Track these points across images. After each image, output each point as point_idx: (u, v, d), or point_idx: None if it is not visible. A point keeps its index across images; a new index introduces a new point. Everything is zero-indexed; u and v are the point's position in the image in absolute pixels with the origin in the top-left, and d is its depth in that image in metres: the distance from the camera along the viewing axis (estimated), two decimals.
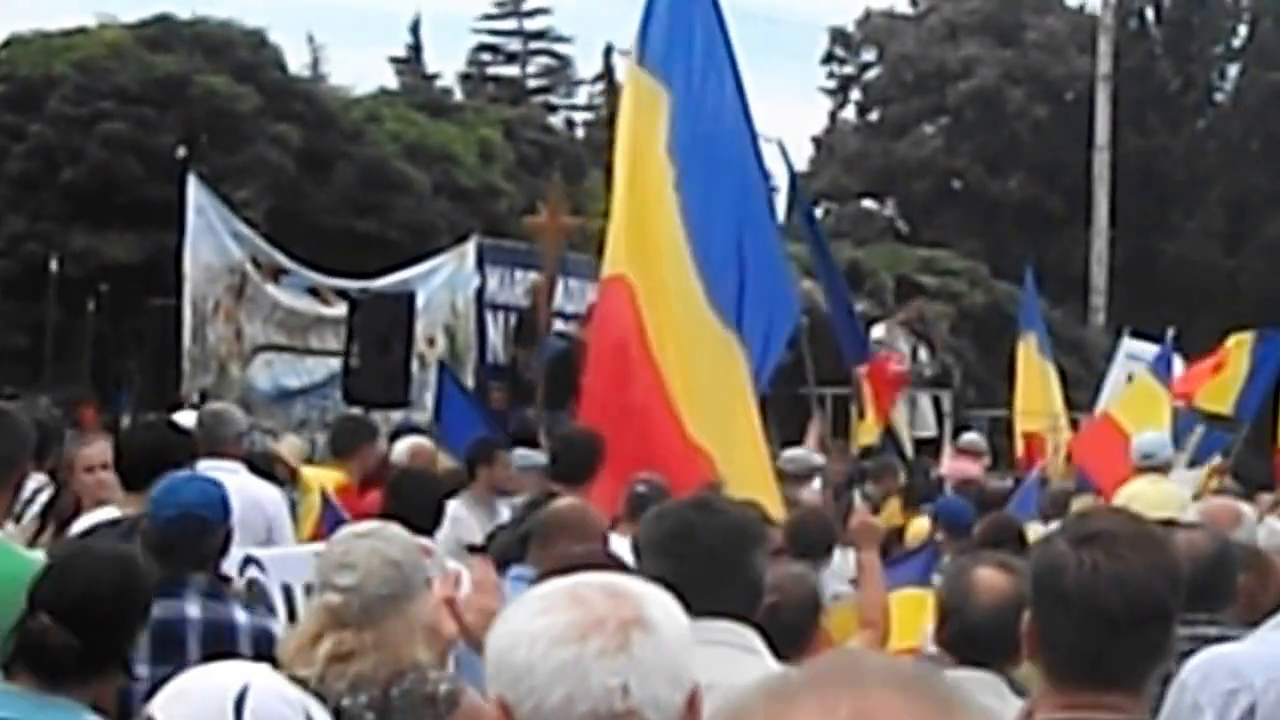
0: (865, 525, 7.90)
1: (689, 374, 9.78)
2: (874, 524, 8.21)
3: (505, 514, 9.87)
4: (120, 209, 23.41)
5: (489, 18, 50.79)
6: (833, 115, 48.71)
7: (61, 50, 25.67)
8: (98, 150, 24.05)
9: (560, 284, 16.17)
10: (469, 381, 15.95)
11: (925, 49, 45.24)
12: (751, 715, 1.56)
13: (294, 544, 8.46)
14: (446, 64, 63.18)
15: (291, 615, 7.47)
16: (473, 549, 8.44)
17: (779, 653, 4.07)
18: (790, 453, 12.04)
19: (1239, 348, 17.76)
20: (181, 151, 24.43)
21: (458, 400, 13.32)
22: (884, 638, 7.15)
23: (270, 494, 8.68)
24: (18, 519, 7.72)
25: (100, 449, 8.45)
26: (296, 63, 33.96)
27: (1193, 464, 16.20)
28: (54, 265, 19.09)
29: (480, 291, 16.75)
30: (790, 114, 60.57)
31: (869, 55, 48.32)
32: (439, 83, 45.52)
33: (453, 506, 9.04)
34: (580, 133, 43.74)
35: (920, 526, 10.85)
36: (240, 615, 5.53)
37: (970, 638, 4.64)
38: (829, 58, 48.51)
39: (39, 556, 5.53)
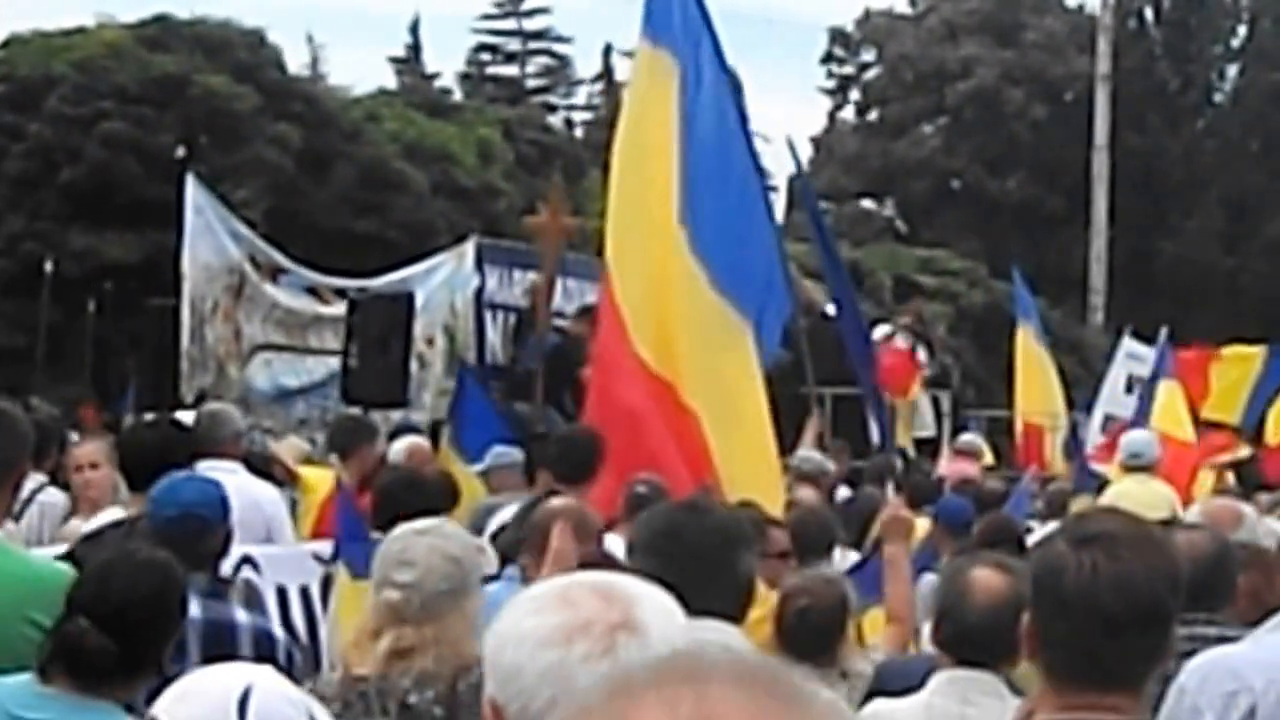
0: (896, 519, 7.69)
1: (691, 357, 9.70)
2: (905, 518, 7.94)
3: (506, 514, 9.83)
4: (119, 209, 23.42)
5: (488, 18, 50.88)
6: (832, 115, 48.78)
7: (60, 50, 25.69)
8: (97, 150, 24.06)
9: (559, 284, 16.14)
10: None
11: (924, 49, 45.26)
12: (592, 713, 1.54)
13: (293, 544, 8.46)
14: (446, 64, 63.18)
15: (284, 617, 7.47)
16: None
17: (809, 655, 4.06)
18: (803, 453, 12.00)
19: (1244, 361, 17.77)
20: (180, 151, 24.45)
21: (478, 404, 12.98)
22: (912, 632, 6.98)
23: (269, 494, 8.67)
24: (17, 519, 7.72)
25: (89, 449, 8.45)
26: (295, 63, 34.08)
27: None
28: (49, 266, 19.09)
29: (479, 291, 16.73)
30: (789, 114, 60.68)
31: (868, 55, 48.37)
32: (438, 83, 45.61)
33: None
34: (579, 133, 43.78)
35: (920, 527, 10.82)
36: (241, 616, 5.54)
37: (967, 637, 4.64)
38: (828, 58, 48.57)
39: (39, 556, 5.54)
